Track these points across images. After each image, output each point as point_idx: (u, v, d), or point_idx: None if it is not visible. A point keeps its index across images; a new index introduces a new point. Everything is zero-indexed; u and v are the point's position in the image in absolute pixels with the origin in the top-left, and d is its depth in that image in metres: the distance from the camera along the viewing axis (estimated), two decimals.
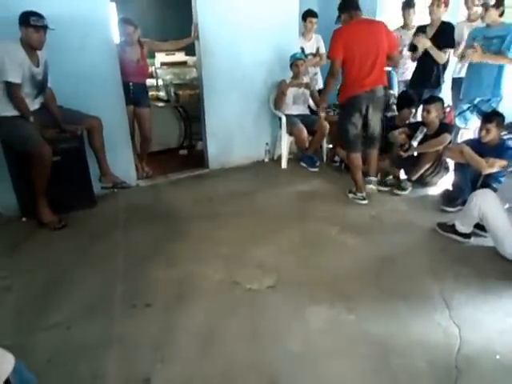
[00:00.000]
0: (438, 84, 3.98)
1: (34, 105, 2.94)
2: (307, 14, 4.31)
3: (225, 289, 2.24)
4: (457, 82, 4.16)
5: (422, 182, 3.63)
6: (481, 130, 3.10)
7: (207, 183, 3.92)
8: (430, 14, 3.81)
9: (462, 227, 2.67)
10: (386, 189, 3.60)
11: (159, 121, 4.34)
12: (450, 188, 3.35)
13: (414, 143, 3.46)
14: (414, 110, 3.84)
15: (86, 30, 3.21)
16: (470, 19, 3.96)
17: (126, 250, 2.65)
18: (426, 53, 3.78)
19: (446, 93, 4.17)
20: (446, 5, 3.77)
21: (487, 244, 2.60)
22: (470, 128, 3.89)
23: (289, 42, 4.24)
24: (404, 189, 3.51)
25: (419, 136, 3.45)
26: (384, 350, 1.76)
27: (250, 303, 2.11)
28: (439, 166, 3.57)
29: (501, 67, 3.47)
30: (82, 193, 3.29)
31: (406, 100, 3.83)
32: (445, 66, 3.97)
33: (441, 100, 3.57)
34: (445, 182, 3.59)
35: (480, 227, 2.68)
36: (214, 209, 3.31)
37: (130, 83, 3.66)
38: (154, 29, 5.24)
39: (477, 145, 3.11)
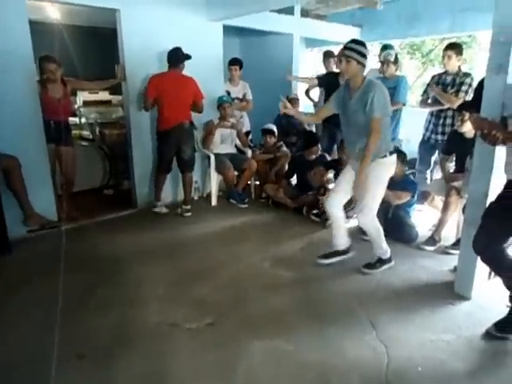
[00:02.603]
0: None
1: None
2: (231, 63, 4.61)
3: (163, 332, 2.18)
4: None
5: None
6: None
7: (136, 223, 3.82)
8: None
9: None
10: (317, 219, 3.86)
11: (83, 160, 4.19)
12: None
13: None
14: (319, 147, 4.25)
15: (5, 65, 3.07)
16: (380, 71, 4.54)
17: (49, 301, 2.43)
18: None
19: None
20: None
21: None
22: None
23: (215, 85, 4.46)
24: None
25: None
26: (323, 373, 1.86)
27: (190, 344, 2.09)
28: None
29: (396, 112, 4.02)
30: None
31: (313, 138, 4.26)
32: None
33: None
34: None
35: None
36: (143, 249, 3.23)
37: (51, 121, 3.51)
38: (75, 67, 5.12)
39: None
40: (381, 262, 2.87)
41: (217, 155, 4.33)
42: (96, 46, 5.47)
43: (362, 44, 2.49)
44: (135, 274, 2.82)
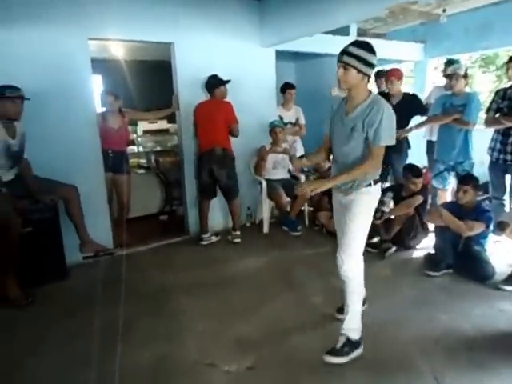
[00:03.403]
0: (405, 148, 4.12)
1: (7, 176, 2.89)
2: (286, 87, 4.55)
3: (200, 372, 2.05)
4: (431, 145, 4.34)
5: (404, 246, 3.61)
6: (458, 191, 3.17)
7: (187, 251, 3.81)
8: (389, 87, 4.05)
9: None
10: (374, 250, 3.56)
11: (140, 187, 4.33)
12: (433, 251, 3.31)
13: (386, 209, 3.52)
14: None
15: (69, 101, 3.30)
16: (446, 88, 4.17)
17: (96, 330, 2.44)
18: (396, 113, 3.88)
19: (413, 156, 4.33)
20: (400, 78, 4.01)
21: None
22: (447, 188, 3.97)
23: (267, 110, 4.41)
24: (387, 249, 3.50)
25: (387, 202, 3.52)
26: None
27: None
28: (416, 227, 3.58)
29: (467, 132, 3.64)
30: (54, 265, 3.14)
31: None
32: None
33: (416, 172, 3.65)
34: (428, 244, 3.57)
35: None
36: (192, 279, 3.17)
37: (110, 151, 3.68)
38: (137, 99, 5.41)
39: (455, 208, 3.14)
40: (350, 344, 2.10)
41: (269, 181, 4.22)
42: (155, 78, 5.75)
43: (368, 49, 1.93)
44: (179, 305, 2.75)
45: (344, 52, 1.93)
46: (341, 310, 2.37)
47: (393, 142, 1.97)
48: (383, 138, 1.93)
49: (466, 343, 2.21)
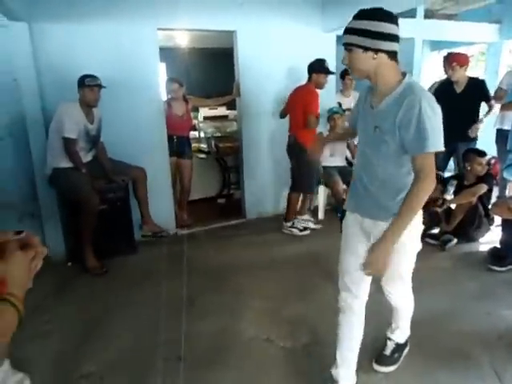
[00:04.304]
0: (469, 137, 3.88)
1: (86, 157, 3.18)
2: (346, 73, 4.48)
3: (257, 346, 2.18)
4: (501, 134, 4.07)
5: (466, 238, 3.47)
6: None
7: (244, 233, 3.96)
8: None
9: None
10: (434, 242, 3.47)
11: (200, 171, 4.54)
12: (498, 246, 3.16)
13: (447, 197, 3.41)
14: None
15: (138, 89, 3.52)
16: None
17: (163, 300, 2.69)
18: (456, 106, 3.57)
19: (482, 144, 4.08)
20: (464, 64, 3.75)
21: None
22: None
23: (327, 97, 4.37)
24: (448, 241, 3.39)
25: (450, 189, 3.41)
26: None
27: (283, 363, 2.04)
28: (479, 218, 3.42)
29: None
30: (125, 240, 3.43)
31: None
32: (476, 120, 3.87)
33: (479, 152, 3.48)
34: (492, 238, 3.40)
35: None
36: (248, 259, 3.31)
37: (174, 136, 3.89)
38: (198, 86, 5.61)
39: None
40: (399, 349, 2.00)
41: (325, 168, 4.22)
42: (216, 66, 5.91)
43: (373, 15, 1.38)
44: (238, 283, 2.90)
45: (345, 31, 1.47)
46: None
47: (442, 148, 1.38)
48: (431, 141, 1.35)
49: None
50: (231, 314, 2.50)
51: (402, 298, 1.83)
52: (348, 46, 1.45)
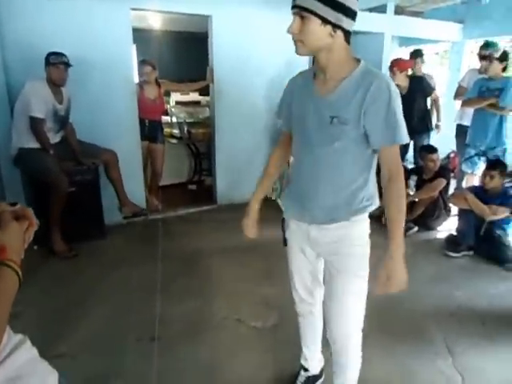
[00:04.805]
0: (426, 129, 4.26)
1: (55, 138, 3.10)
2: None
3: (229, 326, 2.26)
4: (461, 129, 4.33)
5: (426, 227, 3.69)
6: (484, 176, 3.20)
7: (215, 219, 4.00)
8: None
9: None
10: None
11: (172, 156, 4.51)
12: (454, 233, 3.39)
13: (410, 191, 3.62)
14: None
15: (110, 70, 3.44)
16: (480, 71, 4.11)
17: (135, 284, 2.70)
18: (411, 98, 3.99)
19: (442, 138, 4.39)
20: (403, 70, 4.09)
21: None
22: (476, 173, 3.98)
23: None
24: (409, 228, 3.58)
25: (412, 184, 3.63)
26: None
27: (253, 342, 2.13)
28: (439, 209, 3.65)
29: (502, 117, 3.62)
30: (94, 224, 3.38)
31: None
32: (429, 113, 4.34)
33: (431, 149, 3.75)
34: (449, 226, 3.64)
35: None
36: (221, 245, 3.37)
37: (146, 120, 3.84)
38: (170, 70, 5.53)
39: (480, 192, 3.19)
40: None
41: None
42: (190, 50, 5.83)
43: None
44: (209, 267, 2.96)
45: None
46: None
47: (408, 140, 1.23)
48: (401, 131, 1.20)
49: (479, 318, 2.33)
50: (203, 297, 2.56)
51: (350, 335, 1.49)
52: (302, 11, 1.12)
